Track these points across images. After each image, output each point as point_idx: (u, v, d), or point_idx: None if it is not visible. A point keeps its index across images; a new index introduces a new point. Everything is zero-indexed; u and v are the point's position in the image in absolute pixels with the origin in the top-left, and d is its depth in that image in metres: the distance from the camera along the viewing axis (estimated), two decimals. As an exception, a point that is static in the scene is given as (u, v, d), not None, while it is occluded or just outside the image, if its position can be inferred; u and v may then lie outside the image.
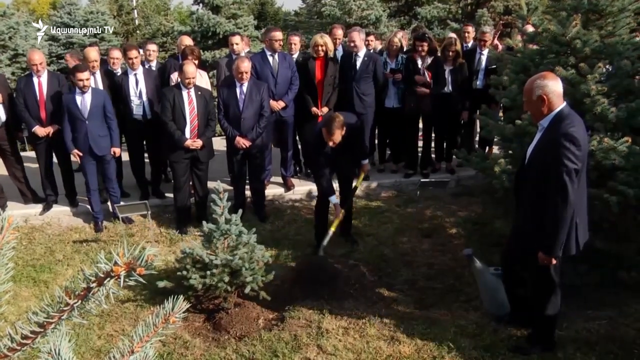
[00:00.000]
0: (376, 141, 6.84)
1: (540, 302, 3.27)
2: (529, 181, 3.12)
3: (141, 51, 6.09)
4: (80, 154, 5.32)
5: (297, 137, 6.56)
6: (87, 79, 5.18)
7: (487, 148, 6.35)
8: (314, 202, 5.20)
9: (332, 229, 4.68)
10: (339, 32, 6.52)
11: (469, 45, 6.67)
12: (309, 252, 4.91)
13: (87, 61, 5.69)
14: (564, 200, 2.85)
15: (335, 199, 4.72)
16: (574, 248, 3.04)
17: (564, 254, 3.05)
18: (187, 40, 6.54)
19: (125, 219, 5.54)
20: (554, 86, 2.92)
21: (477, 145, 6.74)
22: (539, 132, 3.07)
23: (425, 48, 6.01)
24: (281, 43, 5.96)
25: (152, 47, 6.39)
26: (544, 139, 3.00)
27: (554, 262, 3.04)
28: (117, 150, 5.50)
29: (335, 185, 5.01)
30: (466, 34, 6.74)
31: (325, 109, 6.02)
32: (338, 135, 4.39)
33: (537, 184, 3.03)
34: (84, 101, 5.24)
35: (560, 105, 2.94)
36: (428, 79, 6.00)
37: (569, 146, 2.81)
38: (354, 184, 5.02)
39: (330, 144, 4.44)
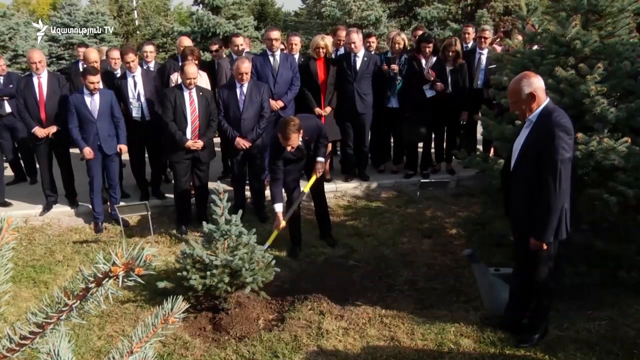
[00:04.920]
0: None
1: (537, 290, 3.36)
2: (521, 174, 3.24)
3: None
4: (93, 153, 5.30)
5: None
6: (98, 82, 5.24)
7: (491, 149, 6.33)
8: (313, 203, 5.18)
9: (268, 243, 4.44)
10: (343, 33, 6.53)
11: (469, 45, 6.67)
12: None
13: (87, 62, 5.70)
14: (559, 189, 3.01)
15: (278, 207, 4.54)
16: (564, 232, 3.19)
17: (555, 238, 3.18)
18: (186, 41, 6.54)
19: (123, 221, 5.54)
20: (539, 82, 3.11)
21: (479, 145, 6.72)
22: (527, 128, 3.21)
23: (431, 49, 6.04)
24: (279, 42, 5.95)
25: (149, 48, 6.38)
26: (534, 133, 3.15)
27: (545, 247, 3.17)
28: (123, 147, 5.53)
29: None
30: (466, 35, 6.74)
31: (328, 109, 6.05)
32: (295, 139, 4.30)
33: (529, 175, 3.15)
34: (94, 102, 5.28)
35: (545, 99, 3.13)
36: (432, 79, 6.01)
37: (562, 136, 2.98)
38: (302, 189, 4.83)
39: (289, 148, 4.35)
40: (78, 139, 5.32)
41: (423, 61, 6.10)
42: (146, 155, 6.20)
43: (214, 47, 6.45)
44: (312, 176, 4.78)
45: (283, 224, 4.57)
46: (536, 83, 3.09)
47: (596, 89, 3.63)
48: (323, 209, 5.10)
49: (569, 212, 3.17)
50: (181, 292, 3.69)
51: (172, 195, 5.75)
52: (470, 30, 6.80)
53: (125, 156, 6.15)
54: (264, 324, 3.85)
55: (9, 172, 6.78)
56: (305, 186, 4.83)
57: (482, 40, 6.30)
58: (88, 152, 5.32)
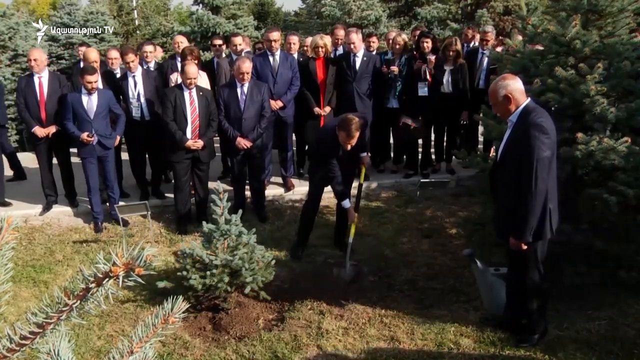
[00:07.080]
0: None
1: (529, 291, 3.35)
2: (504, 175, 3.24)
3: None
4: (91, 138, 5.22)
5: (299, 138, 6.56)
6: (96, 82, 5.20)
7: (491, 149, 6.32)
8: (337, 210, 5.13)
9: (352, 237, 4.54)
10: (341, 32, 6.53)
11: (470, 45, 6.67)
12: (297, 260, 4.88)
13: (86, 62, 5.70)
14: (535, 188, 2.99)
15: (348, 204, 4.56)
16: (548, 233, 3.16)
17: (539, 239, 3.16)
18: (180, 38, 6.55)
19: (123, 221, 5.53)
20: (515, 84, 3.11)
21: (480, 146, 6.72)
22: (509, 129, 3.22)
23: (430, 44, 6.04)
24: (278, 44, 5.94)
25: (149, 48, 6.38)
26: (514, 133, 3.16)
27: (525, 247, 3.15)
28: (117, 138, 5.49)
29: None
30: (468, 37, 6.75)
31: (327, 109, 6.05)
32: (356, 138, 4.31)
33: (511, 176, 3.15)
34: (91, 102, 5.25)
35: (525, 101, 3.13)
36: (429, 78, 6.01)
37: (538, 135, 2.97)
38: (358, 182, 4.89)
39: (348, 147, 4.34)
40: (73, 130, 5.26)
41: None
42: (146, 155, 6.20)
43: (217, 42, 6.45)
44: (362, 168, 4.92)
45: (356, 216, 4.63)
46: (512, 85, 3.09)
47: (596, 89, 3.63)
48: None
49: (555, 212, 3.15)
50: (181, 292, 3.69)
51: (172, 195, 5.74)
52: (472, 32, 6.82)
53: (125, 156, 6.16)
54: (264, 324, 3.85)
55: (8, 171, 6.78)
56: (360, 178, 4.91)
57: (485, 41, 6.30)
58: (86, 136, 5.22)
